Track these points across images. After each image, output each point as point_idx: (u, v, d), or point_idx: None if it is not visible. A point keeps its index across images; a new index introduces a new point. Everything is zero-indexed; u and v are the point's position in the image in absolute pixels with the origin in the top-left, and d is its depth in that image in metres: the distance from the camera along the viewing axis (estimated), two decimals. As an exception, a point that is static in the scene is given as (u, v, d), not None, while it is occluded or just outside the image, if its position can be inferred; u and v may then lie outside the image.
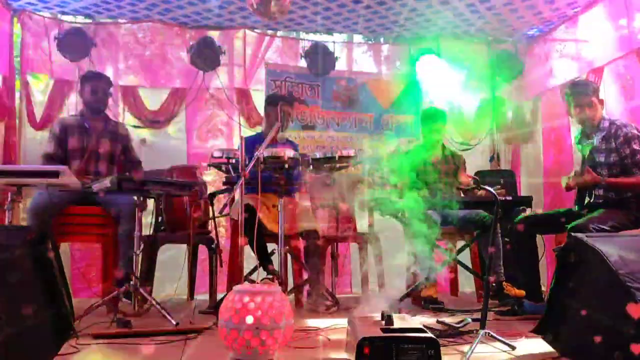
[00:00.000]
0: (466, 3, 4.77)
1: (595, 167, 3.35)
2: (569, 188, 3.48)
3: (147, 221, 4.06)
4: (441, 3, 4.78)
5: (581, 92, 3.43)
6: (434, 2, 4.77)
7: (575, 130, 4.40)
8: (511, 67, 5.70)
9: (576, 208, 3.49)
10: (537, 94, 5.66)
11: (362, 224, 4.87)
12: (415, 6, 4.87)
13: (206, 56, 5.09)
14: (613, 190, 3.25)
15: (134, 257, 3.38)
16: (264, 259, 3.80)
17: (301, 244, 4.07)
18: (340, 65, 5.64)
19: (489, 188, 2.69)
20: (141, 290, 3.34)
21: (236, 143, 5.15)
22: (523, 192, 5.60)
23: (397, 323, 2.19)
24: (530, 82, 5.71)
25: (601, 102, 3.48)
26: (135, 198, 3.39)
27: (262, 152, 3.34)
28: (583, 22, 4.90)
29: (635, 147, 3.18)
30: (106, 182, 3.20)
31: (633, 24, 4.28)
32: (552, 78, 5.35)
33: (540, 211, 4.56)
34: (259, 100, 5.31)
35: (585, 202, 3.47)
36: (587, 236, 2.26)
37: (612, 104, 4.37)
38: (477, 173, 5.31)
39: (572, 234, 2.29)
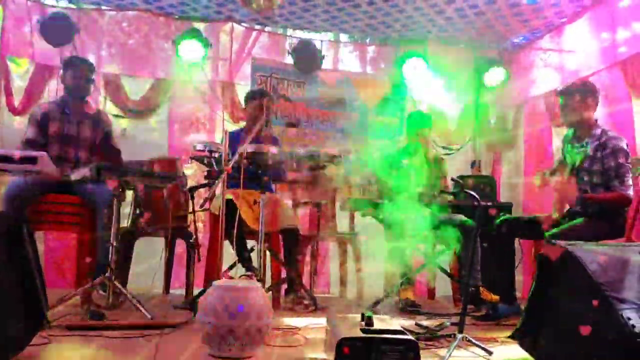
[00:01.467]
0: (455, 7, 4.79)
1: (578, 172, 3.36)
2: (543, 185, 3.49)
3: (126, 212, 3.99)
4: (430, 6, 4.79)
5: (576, 93, 3.41)
6: (422, 4, 4.77)
7: (558, 139, 4.44)
8: (496, 74, 5.74)
9: (555, 215, 3.51)
10: (520, 101, 5.72)
11: (343, 224, 4.87)
12: (404, 8, 4.88)
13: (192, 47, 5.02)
14: (592, 203, 3.27)
15: (110, 248, 3.32)
16: (243, 255, 3.76)
17: (281, 241, 4.04)
18: (327, 64, 5.63)
19: (472, 192, 2.70)
20: (116, 282, 3.28)
21: (218, 137, 5.10)
22: (503, 199, 5.64)
23: (377, 324, 2.17)
24: (514, 89, 5.75)
25: (596, 104, 3.43)
26: (113, 188, 3.33)
27: (246, 147, 3.31)
28: (569, 32, 4.96)
29: (621, 160, 3.19)
30: (85, 171, 3.14)
31: (616, 36, 4.35)
32: (536, 86, 5.40)
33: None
34: (243, 95, 5.26)
35: (565, 209, 3.49)
36: (567, 244, 2.27)
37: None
38: (458, 178, 5.34)
39: (553, 240, 2.30)
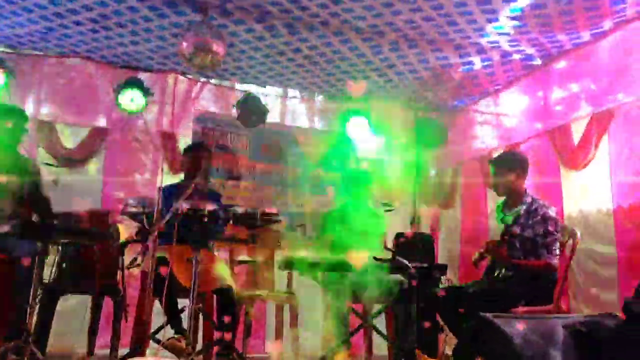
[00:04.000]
0: (395, 71, 4.94)
1: (510, 239, 3.44)
2: (476, 263, 3.54)
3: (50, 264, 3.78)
4: (372, 69, 4.93)
5: (506, 163, 3.53)
6: (364, 67, 4.90)
7: (492, 200, 4.56)
8: (435, 135, 5.90)
9: (485, 279, 3.56)
10: (458, 161, 5.88)
11: (282, 282, 4.78)
12: (348, 70, 4.99)
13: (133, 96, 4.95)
14: (518, 269, 3.34)
15: (28, 309, 3.10)
16: (173, 316, 3.62)
17: (215, 301, 3.91)
18: (272, 117, 5.64)
19: (404, 260, 2.71)
20: (33, 347, 3.06)
21: (156, 188, 4.97)
22: (441, 256, 5.72)
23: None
24: (452, 150, 5.93)
25: (525, 174, 3.54)
26: (38, 244, 3.15)
27: (181, 203, 3.23)
28: (503, 99, 5.19)
29: (550, 228, 3.28)
30: (5, 227, 2.97)
31: (546, 106, 4.57)
32: (472, 148, 5.58)
33: (454, 281, 4.66)
34: (184, 146, 5.18)
35: (496, 273, 3.54)
36: (493, 316, 2.28)
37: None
38: (397, 235, 5.38)
39: (481, 314, 2.31)
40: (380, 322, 4.42)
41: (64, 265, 3.92)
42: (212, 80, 5.56)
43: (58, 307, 3.87)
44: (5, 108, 3.93)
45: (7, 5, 4.05)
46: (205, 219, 3.38)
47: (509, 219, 3.49)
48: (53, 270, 3.85)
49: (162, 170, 5.10)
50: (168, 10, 4.02)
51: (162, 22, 4.22)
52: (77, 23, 4.30)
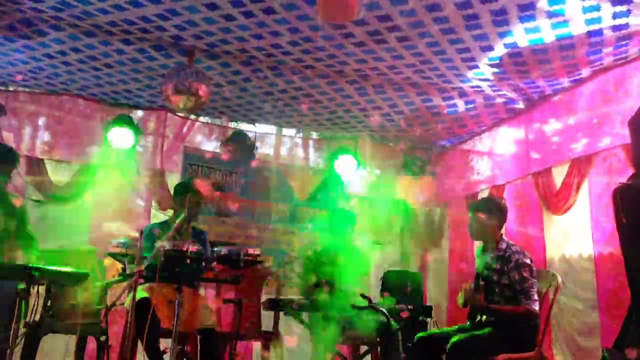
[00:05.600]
0: (382, 112, 5.02)
1: (489, 284, 3.45)
2: (464, 305, 3.54)
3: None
4: (359, 110, 5.00)
5: (483, 210, 3.56)
6: (352, 108, 4.98)
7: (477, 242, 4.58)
8: (424, 172, 5.97)
9: (468, 324, 3.56)
10: (446, 200, 5.92)
11: (267, 322, 4.75)
12: (336, 110, 5.07)
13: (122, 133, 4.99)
14: (497, 315, 3.34)
15: (8, 352, 3.08)
16: (155, 357, 3.59)
17: (198, 341, 3.89)
18: (261, 155, 5.70)
19: (383, 310, 2.71)
20: (10, 391, 3.03)
21: (145, 224, 4.98)
22: (429, 295, 5.71)
23: None
24: (440, 188, 5.98)
25: (501, 221, 3.56)
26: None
27: (164, 243, 3.24)
28: (488, 140, 5.25)
29: (525, 274, 3.28)
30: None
31: (530, 149, 4.63)
32: (459, 188, 5.63)
33: (436, 328, 4.66)
34: (174, 183, 5.21)
35: (477, 318, 3.54)
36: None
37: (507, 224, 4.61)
38: (386, 273, 5.38)
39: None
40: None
41: (47, 304, 3.92)
42: (202, 118, 5.63)
43: (41, 347, 3.86)
44: None
45: (-2, 47, 4.13)
46: (188, 260, 3.40)
47: (485, 269, 3.50)
48: (36, 310, 3.84)
49: (150, 209, 5.19)
50: (155, 53, 4.10)
51: (150, 64, 4.30)
52: (66, 64, 4.38)
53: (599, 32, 3.41)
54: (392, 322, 3.98)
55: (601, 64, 3.81)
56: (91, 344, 4.14)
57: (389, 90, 4.52)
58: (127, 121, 5.00)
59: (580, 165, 4.04)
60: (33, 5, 3.52)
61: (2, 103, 4.78)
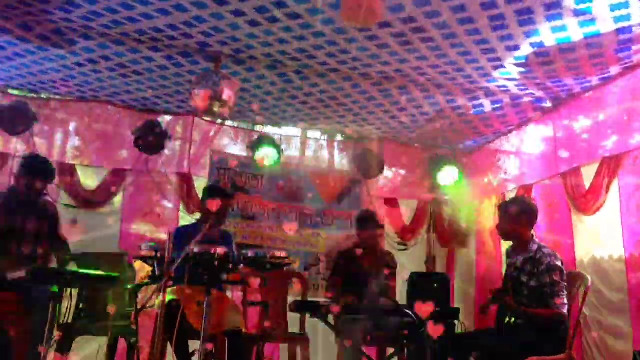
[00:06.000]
0: (407, 113, 5.00)
1: (518, 286, 3.41)
2: (484, 311, 3.50)
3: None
4: (384, 112, 5.00)
5: (513, 210, 3.50)
6: (376, 110, 4.98)
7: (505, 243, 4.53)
8: (450, 173, 5.92)
9: (496, 326, 3.53)
10: (473, 200, 5.86)
11: (293, 324, 4.78)
12: (359, 112, 5.07)
13: (150, 139, 5.08)
14: (526, 318, 3.30)
15: (42, 354, 3.17)
16: (184, 358, 3.66)
17: (226, 343, 3.94)
18: (287, 157, 5.73)
19: (410, 313, 2.71)
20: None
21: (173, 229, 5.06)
22: (456, 296, 5.66)
23: None
24: (467, 188, 5.91)
25: (531, 222, 3.51)
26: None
27: (192, 248, 3.29)
28: (516, 140, 5.18)
29: (556, 278, 3.24)
30: (20, 273, 3.07)
31: (558, 148, 4.56)
32: (487, 188, 5.57)
33: (469, 324, 4.61)
34: (201, 187, 5.28)
35: (506, 320, 3.50)
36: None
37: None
38: (411, 275, 5.35)
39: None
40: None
41: (80, 306, 4.02)
42: (229, 122, 5.69)
43: (74, 348, 3.95)
44: (31, 165, 3.89)
45: (29, 55, 4.25)
46: (216, 263, 3.45)
47: (515, 270, 3.46)
48: (69, 312, 3.94)
49: (178, 212, 5.26)
50: (183, 59, 4.18)
51: (178, 70, 4.38)
52: (96, 71, 4.49)
53: (628, 30, 3.35)
54: (419, 324, 3.98)
55: (631, 61, 3.74)
56: (122, 346, 4.24)
57: (413, 91, 4.51)
58: (156, 126, 5.09)
59: (611, 165, 3.95)
60: (64, 15, 3.62)
61: (34, 111, 4.91)
